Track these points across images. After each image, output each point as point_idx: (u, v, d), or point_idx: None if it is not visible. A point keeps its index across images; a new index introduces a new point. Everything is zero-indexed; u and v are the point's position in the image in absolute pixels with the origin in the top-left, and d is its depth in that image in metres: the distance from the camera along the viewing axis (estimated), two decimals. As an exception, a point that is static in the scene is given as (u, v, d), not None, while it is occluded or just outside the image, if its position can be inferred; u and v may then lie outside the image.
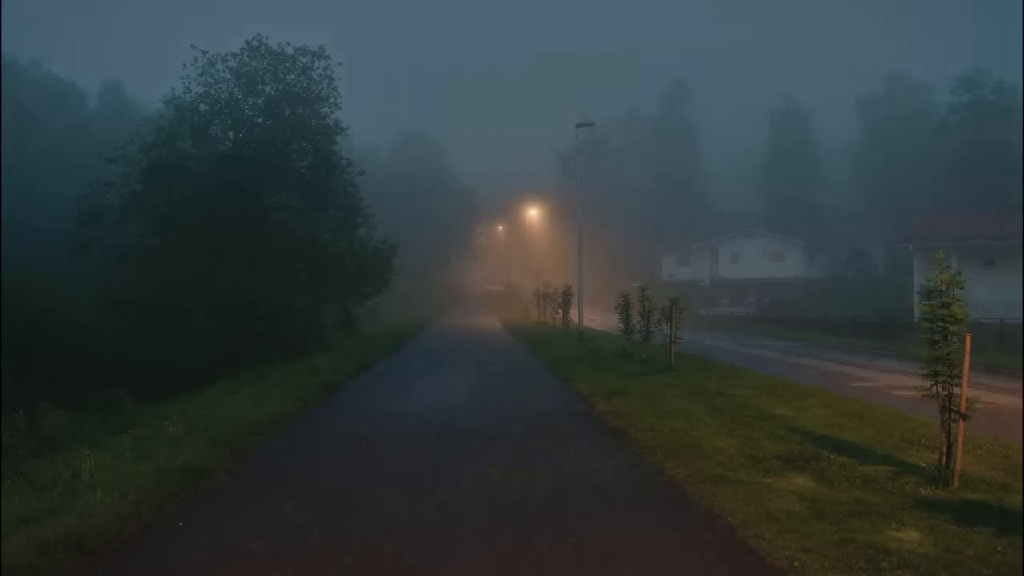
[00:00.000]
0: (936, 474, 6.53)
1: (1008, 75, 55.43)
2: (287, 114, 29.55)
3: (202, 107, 28.96)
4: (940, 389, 6.60)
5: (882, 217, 61.96)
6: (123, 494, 6.08)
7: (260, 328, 23.65)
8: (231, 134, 29.78)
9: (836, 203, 74.03)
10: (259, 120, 29.54)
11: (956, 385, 6.49)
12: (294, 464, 7.99)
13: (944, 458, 6.57)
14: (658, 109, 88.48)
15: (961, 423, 6.52)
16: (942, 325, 6.57)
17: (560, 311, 35.58)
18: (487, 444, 8.95)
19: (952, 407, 6.52)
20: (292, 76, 29.80)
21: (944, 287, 6.56)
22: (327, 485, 7.00)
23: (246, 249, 26.47)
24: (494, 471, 7.43)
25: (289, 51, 29.61)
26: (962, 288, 6.58)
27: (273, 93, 29.55)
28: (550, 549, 5.12)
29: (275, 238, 27.89)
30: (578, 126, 33.76)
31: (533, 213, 72.88)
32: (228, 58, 28.77)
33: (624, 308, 21.03)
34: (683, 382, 14.09)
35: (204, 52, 28.40)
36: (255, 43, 29.15)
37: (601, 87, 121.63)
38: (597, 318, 40.18)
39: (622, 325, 20.93)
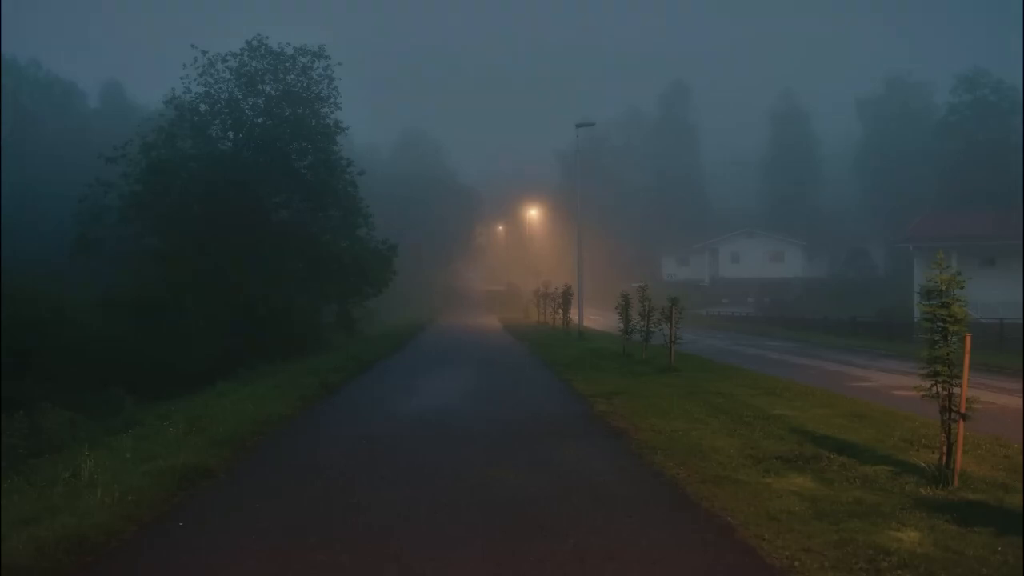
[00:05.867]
0: (936, 474, 6.52)
1: (1008, 75, 55.48)
2: (287, 114, 29.57)
3: (202, 107, 28.98)
4: (940, 389, 6.59)
5: (882, 217, 61.99)
6: (123, 494, 6.08)
7: (260, 328, 23.66)
8: (231, 134, 29.80)
9: (836, 203, 74.04)
10: (259, 120, 29.55)
11: (956, 385, 6.49)
12: (294, 464, 7.99)
13: (944, 458, 6.57)
14: (658, 109, 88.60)
15: (961, 423, 6.51)
16: (942, 325, 6.56)
17: (560, 311, 35.56)
18: (487, 444, 8.95)
19: (952, 407, 6.52)
20: (292, 76, 29.82)
21: (944, 287, 6.56)
22: (327, 485, 6.99)
23: (246, 249, 26.47)
24: (495, 471, 7.43)
25: (289, 51, 29.64)
26: (962, 288, 6.58)
27: (273, 93, 29.56)
28: (550, 549, 5.12)
29: (275, 238, 27.90)
30: (578, 126, 33.74)
31: (533, 213, 72.89)
32: (228, 58, 28.78)
33: (624, 308, 21.01)
34: (683, 382, 14.08)
35: (204, 52, 28.44)
36: (255, 43, 29.17)
37: (601, 87, 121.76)
38: (597, 318, 40.16)
39: (622, 325, 20.91)
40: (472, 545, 5.28)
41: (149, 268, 26.02)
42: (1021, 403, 12.21)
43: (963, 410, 6.46)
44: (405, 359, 22.02)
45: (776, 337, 32.59)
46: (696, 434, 8.91)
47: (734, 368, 17.31)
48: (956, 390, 6.49)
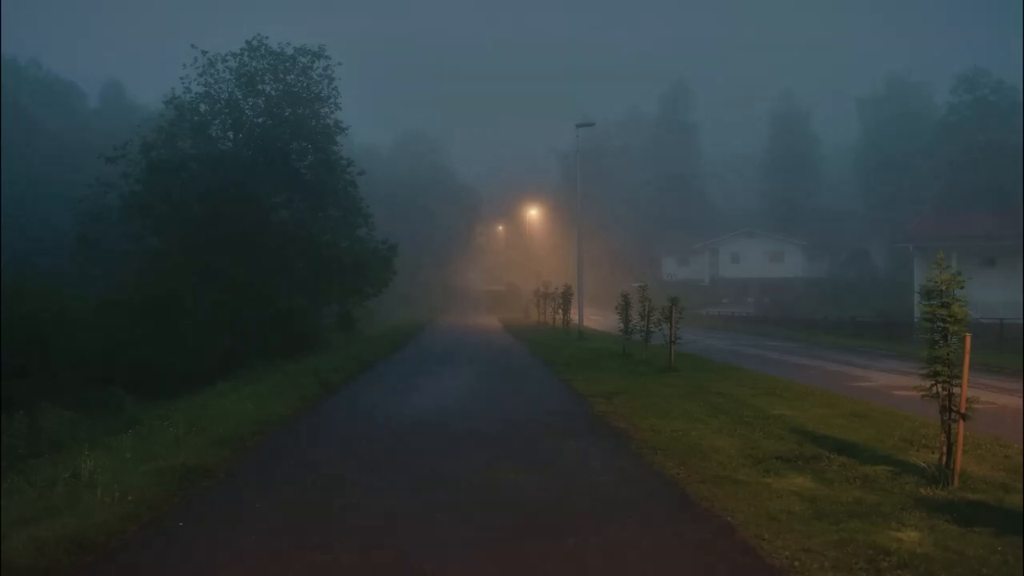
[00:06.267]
0: (936, 474, 6.52)
1: (1008, 75, 55.54)
2: (287, 114, 29.57)
3: (202, 107, 28.99)
4: (940, 389, 6.59)
5: (882, 217, 61.98)
6: (123, 494, 6.08)
7: (260, 328, 23.66)
8: (231, 134, 29.81)
9: (836, 203, 74.07)
10: (259, 120, 29.56)
11: (956, 385, 6.49)
12: (294, 464, 7.99)
13: (944, 458, 6.57)
14: (658, 109, 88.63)
15: (961, 423, 6.51)
16: (942, 325, 6.56)
17: (560, 311, 35.56)
18: (487, 444, 8.95)
19: (952, 407, 6.52)
20: (292, 76, 29.83)
21: (944, 287, 6.56)
22: (327, 485, 6.99)
23: (246, 249, 26.47)
24: (494, 471, 7.43)
25: (289, 51, 29.65)
26: (962, 288, 6.58)
27: (273, 93, 29.57)
28: (550, 549, 5.12)
29: (275, 238, 27.90)
30: (578, 126, 33.74)
31: (533, 213, 72.89)
32: (228, 58, 28.79)
33: (624, 308, 21.01)
34: (683, 382, 14.08)
35: (204, 52, 28.44)
36: (255, 43, 29.17)
37: (602, 87, 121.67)
38: (597, 318, 40.15)
39: (622, 325, 20.92)
40: (472, 545, 5.28)
41: (149, 268, 26.02)
42: (1021, 403, 12.21)
43: (963, 410, 6.46)
44: (405, 359, 22.01)
45: (776, 337, 32.59)
46: (696, 434, 8.91)
47: (734, 368, 17.32)
48: (956, 390, 6.49)
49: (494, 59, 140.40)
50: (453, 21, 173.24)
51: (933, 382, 6.63)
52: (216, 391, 13.61)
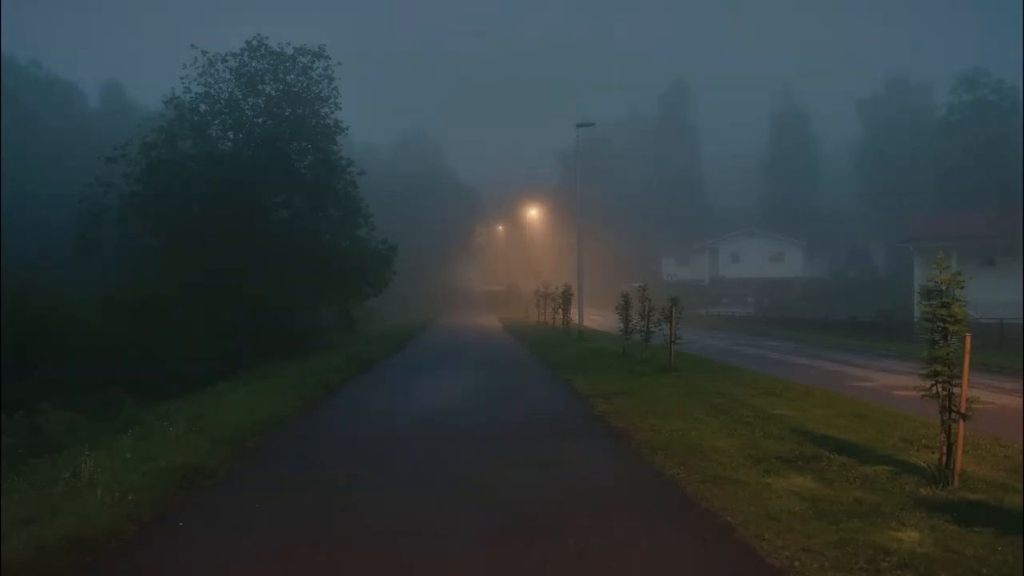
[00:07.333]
0: (936, 474, 6.52)
1: (1008, 75, 55.51)
2: (287, 114, 29.54)
3: (202, 107, 28.95)
4: (940, 389, 6.59)
5: (882, 217, 61.96)
6: (123, 494, 6.08)
7: (260, 328, 23.65)
8: (231, 134, 29.78)
9: (836, 203, 74.08)
10: (259, 120, 29.53)
11: (956, 385, 6.49)
12: (294, 464, 8.00)
13: (944, 458, 6.57)
14: (658, 109, 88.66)
15: (961, 423, 6.51)
16: (942, 325, 6.56)
17: (560, 311, 35.56)
18: (487, 444, 8.95)
19: (952, 407, 6.52)
20: (292, 76, 29.78)
21: (944, 287, 6.56)
22: (327, 485, 7.00)
23: (246, 249, 26.46)
24: (494, 471, 7.43)
25: (289, 51, 29.60)
26: (962, 288, 6.58)
27: (273, 93, 29.53)
28: (550, 549, 5.12)
29: (275, 238, 27.87)
30: (578, 126, 33.70)
31: (533, 213, 72.86)
32: (228, 58, 28.75)
33: (624, 308, 21.01)
34: (683, 382, 14.08)
35: (204, 52, 28.40)
36: (255, 43, 29.14)
37: (601, 87, 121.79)
38: (597, 318, 40.14)
39: (622, 325, 20.92)
40: (472, 545, 5.28)
41: (149, 268, 26.01)
42: (1021, 403, 12.21)
43: (963, 410, 6.46)
44: (405, 359, 22.01)
45: (776, 337, 32.56)
46: (696, 434, 8.91)
47: (734, 368, 17.31)
48: (956, 390, 6.49)
49: (494, 59, 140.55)
50: (453, 21, 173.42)
51: (933, 382, 6.63)
52: (216, 391, 13.61)
